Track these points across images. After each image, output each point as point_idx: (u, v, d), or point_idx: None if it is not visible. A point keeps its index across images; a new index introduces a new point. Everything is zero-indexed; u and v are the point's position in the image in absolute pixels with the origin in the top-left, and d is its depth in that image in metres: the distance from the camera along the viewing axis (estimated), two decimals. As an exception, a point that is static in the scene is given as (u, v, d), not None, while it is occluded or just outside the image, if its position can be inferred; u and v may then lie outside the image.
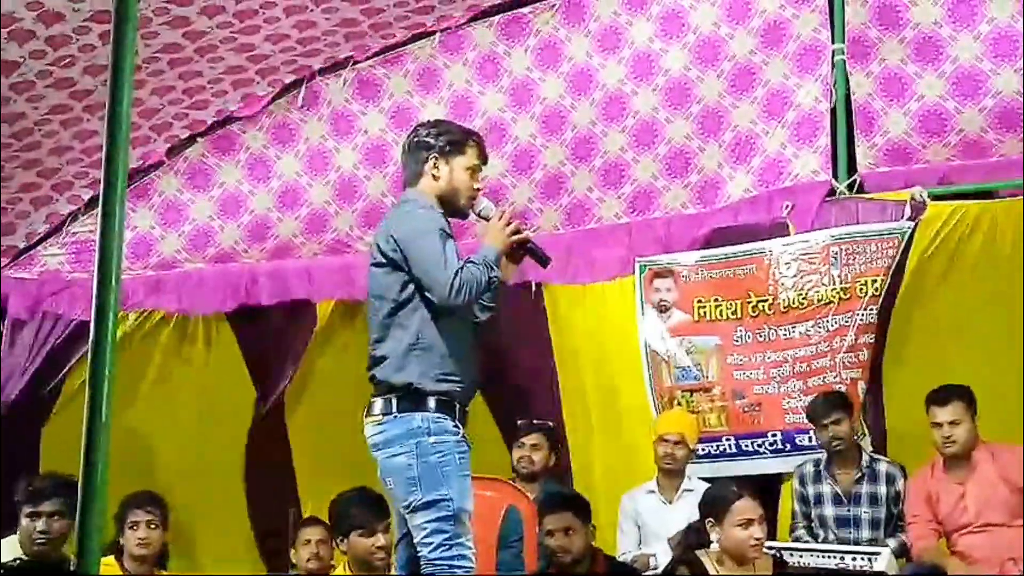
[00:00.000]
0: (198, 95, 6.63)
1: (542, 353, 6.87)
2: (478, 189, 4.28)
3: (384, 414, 4.04)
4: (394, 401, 4.04)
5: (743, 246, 6.42)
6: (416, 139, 4.30)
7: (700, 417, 6.42)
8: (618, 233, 6.74)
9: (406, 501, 4.00)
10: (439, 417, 4.04)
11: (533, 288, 6.73)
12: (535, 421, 6.40)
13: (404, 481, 3.99)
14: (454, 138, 4.26)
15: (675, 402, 6.50)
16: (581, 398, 6.80)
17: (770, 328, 6.35)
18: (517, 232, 4.21)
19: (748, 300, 6.39)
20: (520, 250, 4.27)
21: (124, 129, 2.97)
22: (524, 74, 6.76)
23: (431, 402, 4.04)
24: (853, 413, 5.89)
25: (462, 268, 3.99)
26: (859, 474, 5.81)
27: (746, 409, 6.37)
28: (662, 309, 6.56)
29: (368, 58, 6.85)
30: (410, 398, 4.02)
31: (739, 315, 6.41)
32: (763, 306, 6.36)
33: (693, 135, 6.60)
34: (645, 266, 6.62)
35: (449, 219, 4.20)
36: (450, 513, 3.96)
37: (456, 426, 4.07)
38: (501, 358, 6.57)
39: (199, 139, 7.00)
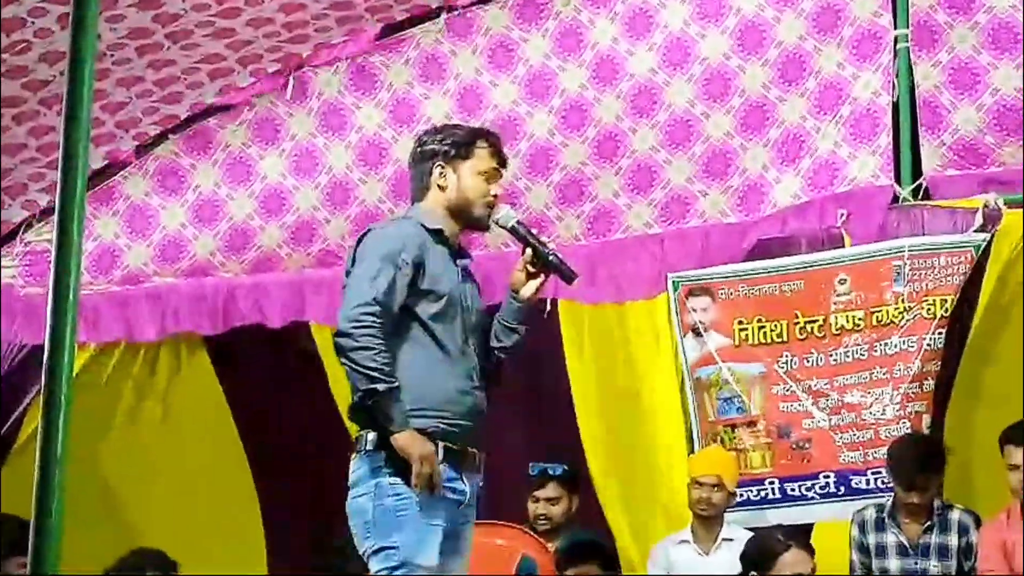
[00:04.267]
0: (170, 86, 6.50)
1: (555, 381, 6.57)
2: (495, 195, 4.14)
3: (357, 452, 3.95)
4: (368, 436, 3.90)
5: (790, 259, 6.16)
6: (420, 148, 4.19)
7: (742, 456, 6.13)
8: (648, 245, 6.43)
9: (362, 548, 3.91)
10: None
11: (547, 306, 6.29)
12: (548, 466, 6.06)
13: (361, 525, 3.90)
14: (460, 139, 4.15)
15: (717, 438, 6.22)
16: (601, 432, 6.47)
17: (820, 353, 6.05)
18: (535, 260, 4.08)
19: (795, 321, 6.10)
20: (541, 264, 4.12)
21: (84, 125, 2.91)
22: (541, 62, 6.51)
23: None
24: (944, 468, 5.56)
25: (372, 325, 3.78)
26: (928, 522, 5.49)
27: (794, 447, 6.08)
28: (697, 332, 6.27)
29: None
30: (383, 433, 3.85)
31: (785, 338, 6.12)
32: (812, 327, 6.07)
33: (734, 132, 6.31)
34: (679, 283, 6.32)
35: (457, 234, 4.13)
36: (395, 564, 3.81)
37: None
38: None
39: (170, 136, 6.83)
